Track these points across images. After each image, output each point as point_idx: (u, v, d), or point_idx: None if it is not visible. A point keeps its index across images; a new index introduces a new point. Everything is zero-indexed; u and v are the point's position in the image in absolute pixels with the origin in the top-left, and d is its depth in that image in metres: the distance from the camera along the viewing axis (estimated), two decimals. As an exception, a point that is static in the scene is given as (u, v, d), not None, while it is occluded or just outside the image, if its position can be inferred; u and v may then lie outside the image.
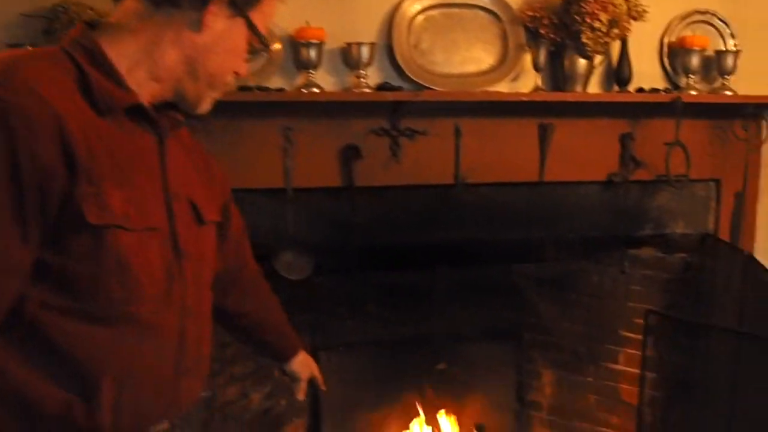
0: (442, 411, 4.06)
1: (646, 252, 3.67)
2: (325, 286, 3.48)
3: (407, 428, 4.01)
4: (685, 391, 3.67)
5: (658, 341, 3.71)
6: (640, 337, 3.77)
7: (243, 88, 2.79)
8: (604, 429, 3.99)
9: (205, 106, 1.52)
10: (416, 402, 4.04)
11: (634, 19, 3.10)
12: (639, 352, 3.79)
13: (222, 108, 1.64)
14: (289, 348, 2.37)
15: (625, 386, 3.86)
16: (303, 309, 3.88)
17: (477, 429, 3.62)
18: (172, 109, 1.50)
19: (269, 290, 2.30)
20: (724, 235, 3.51)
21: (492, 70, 3.21)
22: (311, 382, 2.48)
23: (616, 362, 3.88)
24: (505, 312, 4.13)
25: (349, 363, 4.01)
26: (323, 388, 2.52)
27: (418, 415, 4.03)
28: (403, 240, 3.29)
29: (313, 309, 3.91)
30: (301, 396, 2.44)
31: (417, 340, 3.96)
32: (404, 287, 3.65)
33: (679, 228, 3.54)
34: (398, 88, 3.06)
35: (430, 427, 4.05)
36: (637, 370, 3.81)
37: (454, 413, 4.07)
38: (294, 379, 2.41)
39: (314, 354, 3.96)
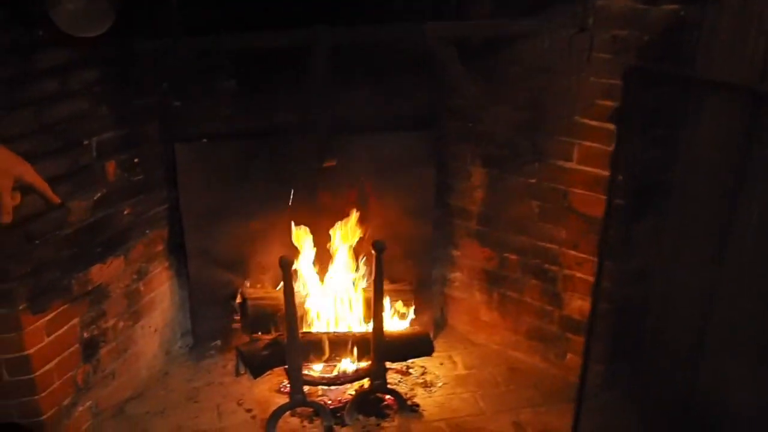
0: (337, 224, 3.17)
1: (620, 1, 2.61)
2: (162, 53, 2.40)
3: (289, 240, 3.16)
4: (661, 197, 2.75)
5: (627, 132, 2.72)
6: (605, 125, 2.79)
7: None
8: (548, 245, 3.10)
9: None
10: (299, 210, 3.16)
11: None
12: (602, 146, 2.82)
13: None
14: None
15: (579, 191, 2.91)
16: (143, 89, 2.86)
17: (375, 249, 2.71)
18: None
19: None
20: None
21: None
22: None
23: (569, 159, 2.95)
24: (420, 92, 3.16)
25: (214, 158, 3.13)
26: (55, 200, 1.70)
27: (300, 225, 3.14)
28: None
29: (156, 91, 2.88)
30: (5, 218, 1.57)
31: (300, 129, 2.98)
32: (275, 56, 2.58)
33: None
34: None
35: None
36: (597, 170, 2.86)
37: (350, 223, 3.17)
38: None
39: (168, 147, 3.01)
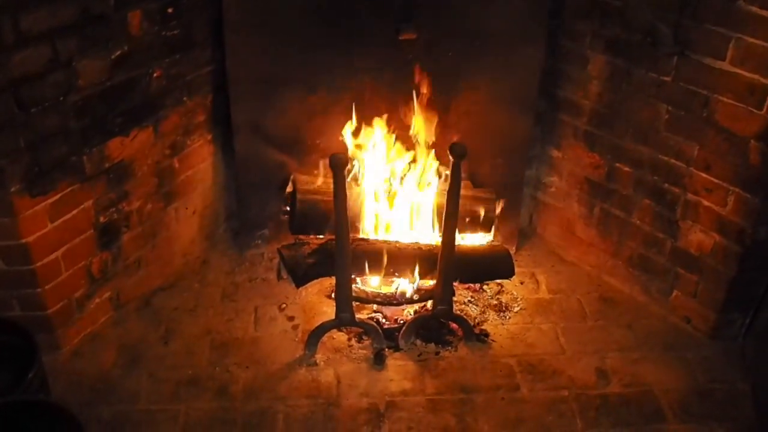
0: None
1: None
2: None
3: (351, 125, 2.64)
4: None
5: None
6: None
7: None
8: (673, 161, 2.48)
9: None
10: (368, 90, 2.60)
11: None
12: None
13: None
14: None
15: (726, 99, 2.25)
16: None
17: (452, 154, 2.15)
18: None
19: None
20: None
21: None
22: None
23: (719, 56, 2.25)
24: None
25: (270, 12, 2.54)
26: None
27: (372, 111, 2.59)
28: None
29: None
30: None
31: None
32: None
33: None
34: None
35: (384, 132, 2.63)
36: (757, 76, 2.17)
37: (426, 114, 2.60)
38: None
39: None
